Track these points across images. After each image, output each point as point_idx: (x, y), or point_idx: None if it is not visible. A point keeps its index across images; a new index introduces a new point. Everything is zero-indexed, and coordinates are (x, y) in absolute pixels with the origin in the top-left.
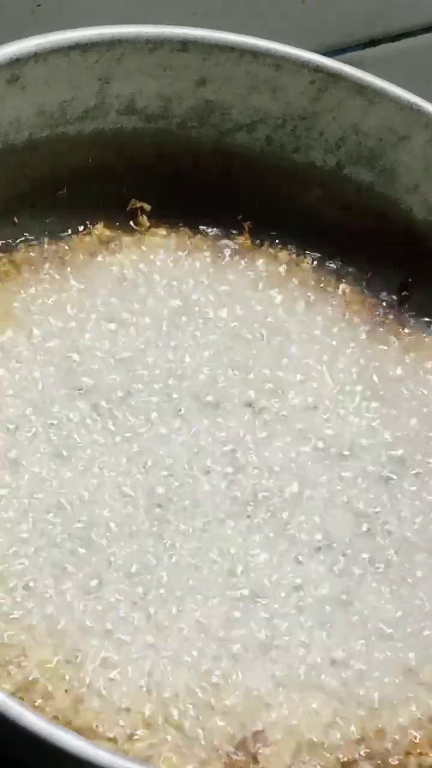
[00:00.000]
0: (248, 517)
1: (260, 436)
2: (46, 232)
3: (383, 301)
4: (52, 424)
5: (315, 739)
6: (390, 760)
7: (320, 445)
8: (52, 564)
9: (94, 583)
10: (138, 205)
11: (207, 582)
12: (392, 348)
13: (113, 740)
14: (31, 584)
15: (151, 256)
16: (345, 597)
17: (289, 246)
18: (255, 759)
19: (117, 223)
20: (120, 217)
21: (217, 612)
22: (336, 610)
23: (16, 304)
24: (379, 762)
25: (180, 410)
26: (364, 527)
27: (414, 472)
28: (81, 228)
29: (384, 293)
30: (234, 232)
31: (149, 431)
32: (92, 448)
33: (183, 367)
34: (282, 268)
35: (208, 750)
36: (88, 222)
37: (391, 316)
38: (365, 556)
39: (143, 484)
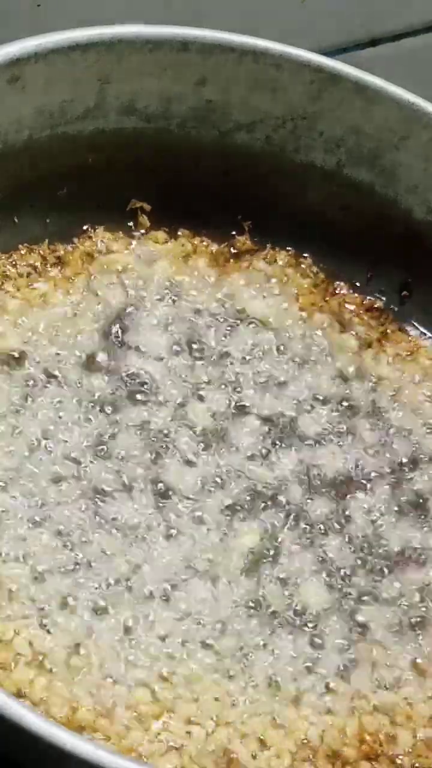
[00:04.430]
0: None
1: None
2: (46, 232)
3: (383, 301)
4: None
5: (314, 740)
6: (389, 760)
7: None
8: None
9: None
10: (138, 205)
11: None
12: (392, 348)
13: (110, 739)
14: None
15: (151, 257)
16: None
17: (289, 246)
18: (254, 757)
19: (117, 223)
20: (120, 217)
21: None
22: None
23: (13, 304)
24: (379, 763)
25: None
26: None
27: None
28: (81, 228)
29: (384, 294)
30: (234, 232)
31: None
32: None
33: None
34: (282, 269)
35: (205, 751)
36: (88, 222)
37: (392, 317)
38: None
39: None
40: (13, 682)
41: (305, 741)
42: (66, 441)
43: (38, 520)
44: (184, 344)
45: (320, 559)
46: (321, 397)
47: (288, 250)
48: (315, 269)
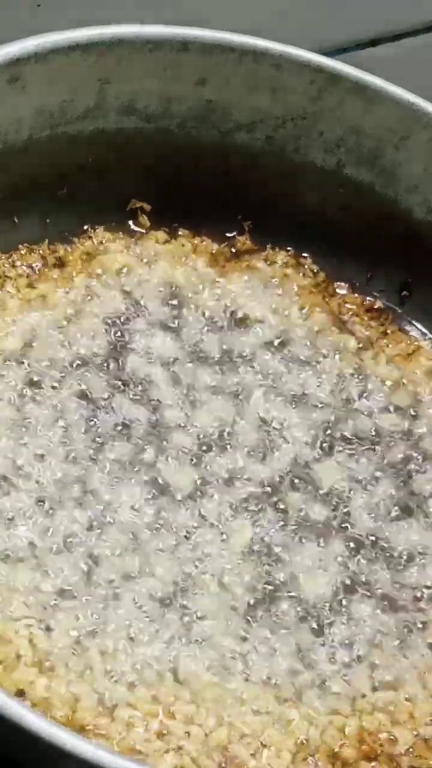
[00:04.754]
0: None
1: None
2: (46, 232)
3: (383, 301)
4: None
5: (314, 740)
6: (389, 760)
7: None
8: None
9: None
10: (138, 205)
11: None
12: (392, 348)
13: (110, 739)
14: None
15: (151, 257)
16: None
17: (289, 246)
18: (254, 757)
19: (117, 223)
20: (120, 217)
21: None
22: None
23: (13, 303)
24: (379, 763)
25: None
26: None
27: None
28: (81, 228)
29: (384, 294)
30: (234, 232)
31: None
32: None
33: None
34: (281, 269)
35: (205, 751)
36: (88, 222)
37: (392, 317)
38: None
39: None
40: (13, 682)
41: (305, 741)
42: (65, 442)
43: (40, 522)
44: (184, 344)
45: (320, 558)
46: (321, 398)
47: (288, 250)
48: (315, 269)
